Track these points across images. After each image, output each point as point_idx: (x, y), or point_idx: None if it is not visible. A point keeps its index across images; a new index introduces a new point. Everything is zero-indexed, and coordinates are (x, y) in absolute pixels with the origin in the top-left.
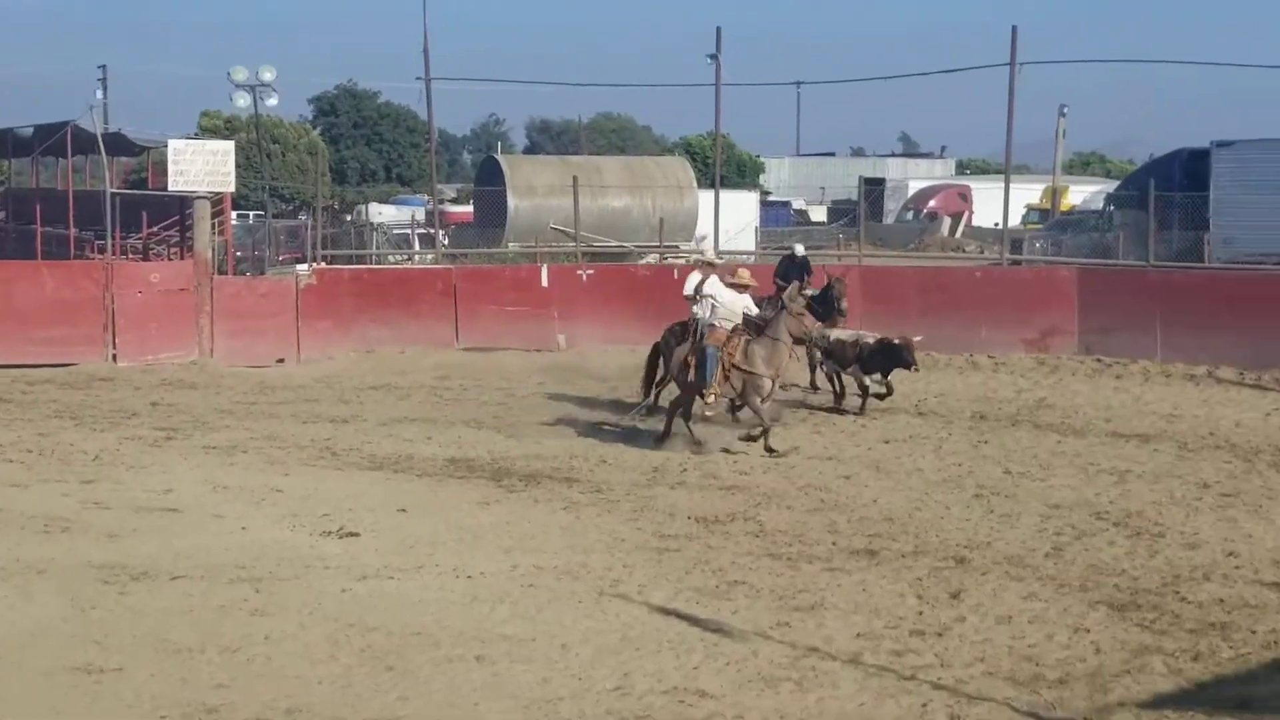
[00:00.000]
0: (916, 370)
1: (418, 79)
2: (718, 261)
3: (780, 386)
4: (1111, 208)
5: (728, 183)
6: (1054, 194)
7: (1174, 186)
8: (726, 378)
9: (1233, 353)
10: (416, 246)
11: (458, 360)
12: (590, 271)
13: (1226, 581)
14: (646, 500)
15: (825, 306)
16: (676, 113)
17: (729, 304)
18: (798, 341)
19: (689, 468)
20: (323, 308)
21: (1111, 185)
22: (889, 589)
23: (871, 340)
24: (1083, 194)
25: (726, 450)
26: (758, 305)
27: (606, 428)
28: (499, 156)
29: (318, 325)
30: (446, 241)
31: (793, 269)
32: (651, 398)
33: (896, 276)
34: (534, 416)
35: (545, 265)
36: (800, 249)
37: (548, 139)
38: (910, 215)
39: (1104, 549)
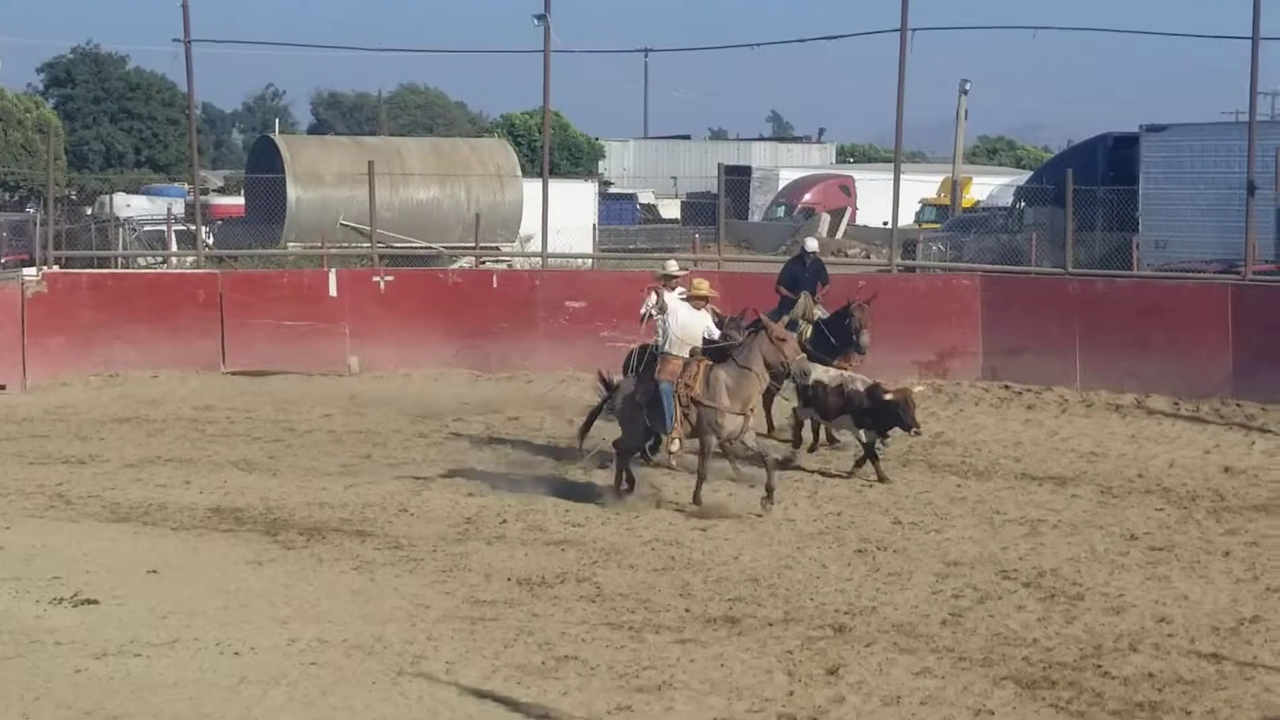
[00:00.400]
0: (917, 433)
1: (175, 41)
2: (680, 272)
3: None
4: (1022, 204)
5: (559, 170)
6: (954, 187)
7: (1097, 179)
8: (685, 415)
9: (1166, 378)
10: (174, 247)
11: (224, 387)
12: (389, 278)
13: (1157, 652)
14: (457, 558)
15: (839, 336)
16: (497, 86)
17: (686, 324)
18: (774, 375)
19: (509, 519)
20: (55, 322)
21: (1023, 177)
22: (753, 664)
23: (861, 388)
24: (988, 187)
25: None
26: (719, 325)
27: (409, 470)
28: (276, 137)
29: (48, 343)
30: (211, 241)
31: (803, 273)
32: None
33: (764, 286)
34: (319, 456)
35: (334, 270)
36: (812, 243)
37: (338, 116)
38: (781, 211)
39: (1011, 614)
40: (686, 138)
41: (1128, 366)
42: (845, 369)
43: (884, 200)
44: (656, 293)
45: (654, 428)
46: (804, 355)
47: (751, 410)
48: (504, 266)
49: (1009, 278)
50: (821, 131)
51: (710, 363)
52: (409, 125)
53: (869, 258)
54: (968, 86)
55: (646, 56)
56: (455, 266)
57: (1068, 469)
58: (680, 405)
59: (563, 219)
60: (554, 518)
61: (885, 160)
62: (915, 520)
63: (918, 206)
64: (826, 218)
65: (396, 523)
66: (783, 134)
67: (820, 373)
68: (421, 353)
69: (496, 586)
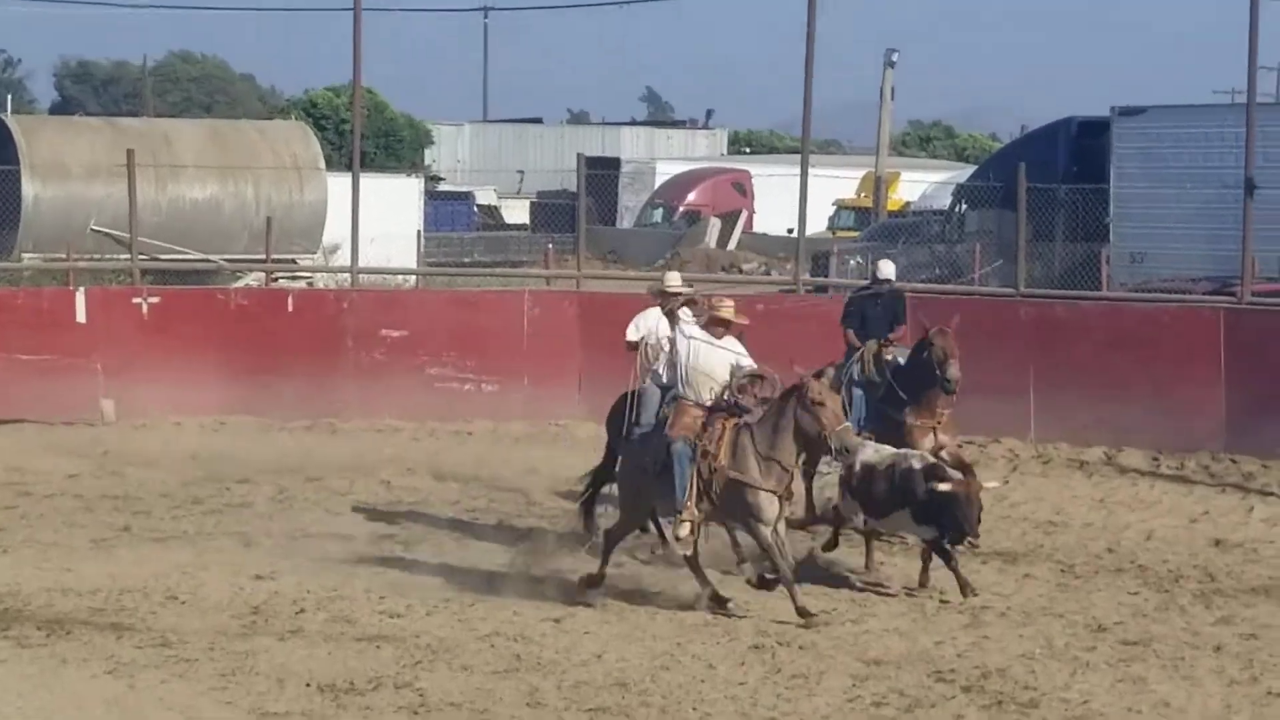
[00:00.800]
0: (974, 545)
1: None
2: (684, 289)
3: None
4: (963, 206)
5: (375, 163)
6: (877, 185)
7: (1057, 175)
8: (704, 493)
9: (1142, 426)
10: None
11: None
12: (155, 299)
13: None
14: (241, 659)
15: (915, 378)
16: (295, 55)
17: (705, 362)
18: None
19: (308, 608)
20: None
21: (964, 172)
22: None
23: (918, 466)
24: (921, 185)
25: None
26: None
27: (180, 546)
28: (8, 118)
29: None
30: None
31: (872, 309)
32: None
33: (636, 310)
34: (62, 528)
35: (82, 289)
36: (888, 268)
37: (89, 92)
38: (659, 215)
39: None
40: (538, 121)
41: (1095, 412)
42: (929, 423)
43: (788, 201)
44: (664, 305)
45: (660, 502)
46: (848, 425)
47: (788, 494)
48: (303, 285)
49: (946, 299)
50: (709, 114)
51: (738, 421)
52: (181, 104)
53: (769, 274)
54: (895, 58)
55: (486, 17)
56: (240, 284)
57: (1019, 542)
58: (700, 476)
59: (379, 224)
60: (365, 606)
61: (790, 151)
62: (826, 607)
63: (831, 209)
64: (716, 223)
65: (163, 613)
66: (661, 117)
67: (869, 452)
68: (196, 395)
69: (291, 694)
